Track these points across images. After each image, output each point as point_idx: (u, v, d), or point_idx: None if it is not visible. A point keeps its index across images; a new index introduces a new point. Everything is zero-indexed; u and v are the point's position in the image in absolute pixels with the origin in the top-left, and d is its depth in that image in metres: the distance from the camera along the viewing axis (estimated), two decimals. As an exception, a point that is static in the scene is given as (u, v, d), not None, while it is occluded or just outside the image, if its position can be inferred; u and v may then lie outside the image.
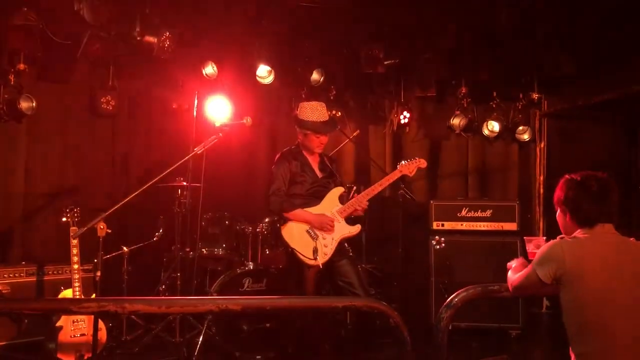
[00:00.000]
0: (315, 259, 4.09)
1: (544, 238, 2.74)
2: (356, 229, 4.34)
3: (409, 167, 4.49)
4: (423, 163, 4.58)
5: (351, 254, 4.41)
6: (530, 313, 6.50)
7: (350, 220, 4.37)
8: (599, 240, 2.56)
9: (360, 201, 4.33)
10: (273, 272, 5.03)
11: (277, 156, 4.53)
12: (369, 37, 5.62)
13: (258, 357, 4.75)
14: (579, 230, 2.61)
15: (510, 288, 2.82)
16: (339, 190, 4.41)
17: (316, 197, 4.36)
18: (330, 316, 5.25)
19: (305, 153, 4.45)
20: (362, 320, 4.49)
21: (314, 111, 4.35)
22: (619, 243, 2.58)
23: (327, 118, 4.40)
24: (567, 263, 2.49)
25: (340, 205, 4.34)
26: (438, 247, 5.57)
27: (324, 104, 4.44)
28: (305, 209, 4.27)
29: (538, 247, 2.79)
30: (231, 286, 4.88)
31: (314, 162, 4.47)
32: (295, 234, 4.23)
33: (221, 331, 4.81)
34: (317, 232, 4.20)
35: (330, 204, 4.34)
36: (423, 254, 5.77)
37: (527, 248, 3.04)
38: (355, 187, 4.58)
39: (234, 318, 4.73)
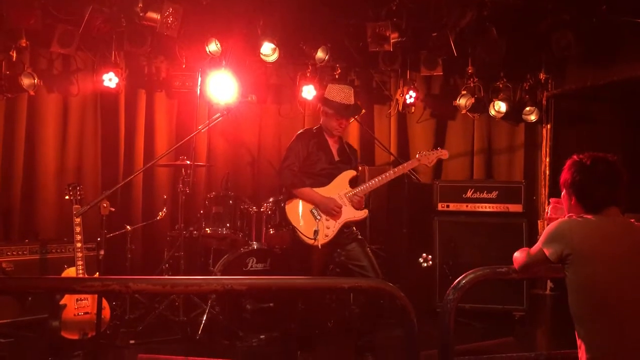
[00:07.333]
0: (314, 239, 4.05)
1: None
2: (362, 213, 4.26)
3: (428, 157, 4.39)
4: (445, 154, 4.48)
5: (360, 236, 4.34)
6: (534, 295, 6.51)
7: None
8: (608, 221, 2.52)
9: (371, 187, 4.25)
10: (277, 252, 5.01)
11: (298, 133, 4.47)
12: (375, 15, 5.53)
13: (262, 336, 4.76)
14: (584, 214, 2.57)
15: (516, 267, 2.79)
16: (350, 174, 4.32)
17: (328, 179, 4.28)
18: (334, 296, 5.25)
19: (325, 135, 4.37)
20: (367, 300, 4.46)
21: (340, 93, 4.26)
22: (628, 226, 2.54)
23: (352, 102, 4.31)
24: (575, 242, 2.45)
25: (350, 189, 4.26)
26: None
27: (352, 89, 4.35)
28: (314, 189, 4.21)
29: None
30: (235, 266, 4.86)
31: (333, 145, 4.38)
32: (299, 212, 4.18)
33: (225, 310, 4.80)
34: (322, 214, 4.16)
35: (340, 187, 4.26)
36: (428, 235, 5.76)
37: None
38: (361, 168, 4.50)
39: (238, 298, 4.71)
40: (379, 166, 6.62)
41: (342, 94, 4.26)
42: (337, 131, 4.33)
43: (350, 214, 4.23)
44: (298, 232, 4.12)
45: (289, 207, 4.22)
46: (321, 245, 4.06)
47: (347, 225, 4.24)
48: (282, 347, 4.68)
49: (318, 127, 4.44)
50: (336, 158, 4.36)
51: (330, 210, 4.14)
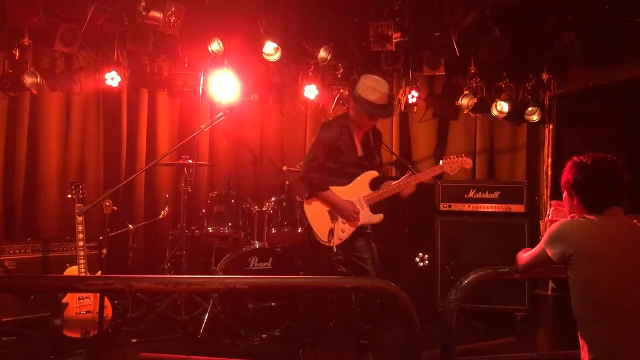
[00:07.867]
0: (329, 241, 4.02)
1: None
2: (378, 218, 4.23)
3: (452, 164, 4.26)
4: (469, 163, 4.32)
5: (368, 230, 4.29)
6: (535, 295, 6.50)
7: (373, 208, 4.25)
8: (611, 221, 2.52)
9: (391, 192, 4.17)
10: (279, 251, 5.01)
11: (323, 122, 4.36)
12: (378, 14, 5.53)
13: (263, 335, 4.77)
14: (586, 214, 2.56)
15: (519, 267, 2.80)
16: (371, 175, 4.23)
17: (349, 178, 4.19)
18: (335, 295, 5.25)
19: (351, 125, 4.20)
20: (368, 300, 4.46)
21: (374, 91, 4.00)
22: (630, 226, 2.54)
23: (385, 102, 4.06)
24: (577, 242, 2.46)
25: (370, 192, 4.20)
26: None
27: (387, 84, 4.09)
28: (334, 188, 4.13)
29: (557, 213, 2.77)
30: (237, 265, 4.87)
31: (357, 136, 4.23)
32: (316, 211, 4.15)
33: (226, 309, 4.81)
34: (339, 216, 4.13)
35: (359, 189, 4.20)
36: (429, 235, 5.75)
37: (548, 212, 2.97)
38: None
39: (240, 297, 4.72)
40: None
41: (376, 93, 4.00)
42: (366, 127, 4.23)
43: (367, 218, 4.20)
44: (313, 231, 4.11)
45: (307, 207, 4.19)
46: (335, 248, 4.03)
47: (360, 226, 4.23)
48: (284, 346, 4.68)
49: (344, 115, 4.31)
50: (359, 153, 4.25)
51: (349, 216, 4.10)
